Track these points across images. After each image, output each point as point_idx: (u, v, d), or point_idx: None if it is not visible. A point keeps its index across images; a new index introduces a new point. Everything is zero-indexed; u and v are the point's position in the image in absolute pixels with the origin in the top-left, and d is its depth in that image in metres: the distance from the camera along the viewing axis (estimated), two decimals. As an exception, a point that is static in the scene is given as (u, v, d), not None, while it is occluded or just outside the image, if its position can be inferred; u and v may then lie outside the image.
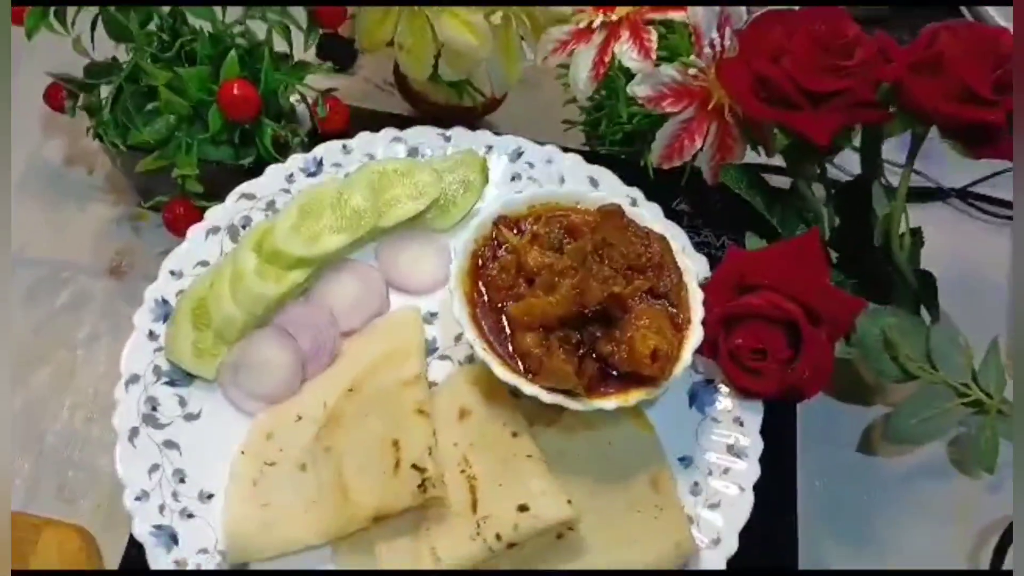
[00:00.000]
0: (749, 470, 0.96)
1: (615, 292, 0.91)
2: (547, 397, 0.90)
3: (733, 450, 0.98)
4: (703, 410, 1.01)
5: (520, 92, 1.32)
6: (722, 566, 0.92)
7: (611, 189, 1.10)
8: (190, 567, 0.89)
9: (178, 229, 1.09)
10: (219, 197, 1.09)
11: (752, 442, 0.98)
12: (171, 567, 0.89)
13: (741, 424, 0.99)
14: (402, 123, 1.16)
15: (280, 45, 1.15)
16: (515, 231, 1.00)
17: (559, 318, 0.91)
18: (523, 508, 0.88)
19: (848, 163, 1.19)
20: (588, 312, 0.91)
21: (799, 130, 0.96)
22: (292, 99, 1.16)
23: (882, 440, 1.15)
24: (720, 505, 0.95)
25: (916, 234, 1.07)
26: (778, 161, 1.14)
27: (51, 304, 1.21)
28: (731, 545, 0.93)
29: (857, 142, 1.09)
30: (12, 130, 1.31)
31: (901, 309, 1.06)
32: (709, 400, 1.01)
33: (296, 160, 1.10)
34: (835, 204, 1.10)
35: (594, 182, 1.12)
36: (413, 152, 1.13)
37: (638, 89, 1.04)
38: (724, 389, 1.01)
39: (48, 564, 1.01)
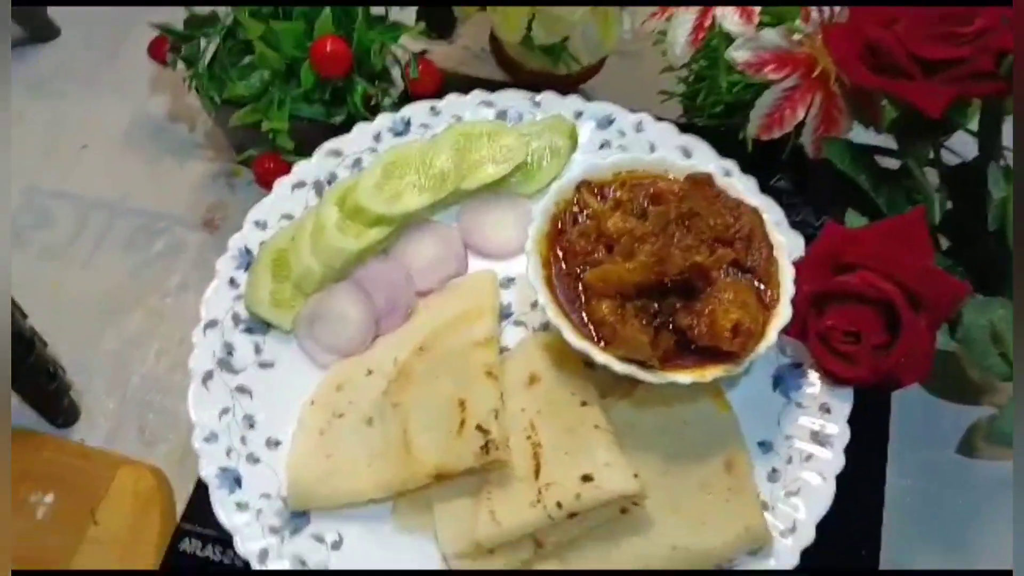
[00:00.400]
0: (833, 460, 0.91)
1: (697, 262, 0.86)
2: (619, 367, 0.86)
3: (817, 438, 0.92)
4: (788, 394, 0.95)
5: (617, 63, 1.29)
6: (796, 556, 0.87)
7: (704, 160, 1.06)
8: (251, 510, 0.90)
9: (267, 183, 1.10)
10: (309, 154, 1.10)
11: (839, 431, 0.92)
12: (232, 509, 0.89)
13: (828, 411, 0.93)
14: (494, 88, 1.14)
15: (378, 9, 1.15)
16: (599, 197, 0.96)
17: (636, 286, 0.87)
18: (587, 478, 0.85)
19: (964, 149, 1.11)
20: (668, 282, 0.87)
21: (910, 100, 0.89)
22: (386, 60, 1.16)
23: (984, 442, 1.07)
24: (799, 493, 0.89)
25: (1036, 222, 0.99)
26: (888, 143, 1.07)
27: (147, 252, 1.25)
28: (807, 535, 0.87)
29: (975, 124, 1.02)
30: (121, 86, 1.38)
31: (1013, 302, 0.98)
32: (795, 384, 0.96)
33: (384, 119, 1.10)
34: (948, 186, 1.03)
35: (686, 152, 1.08)
36: (501, 116, 1.11)
37: (738, 54, 0.99)
38: (812, 374, 0.96)
39: (122, 500, 1.04)
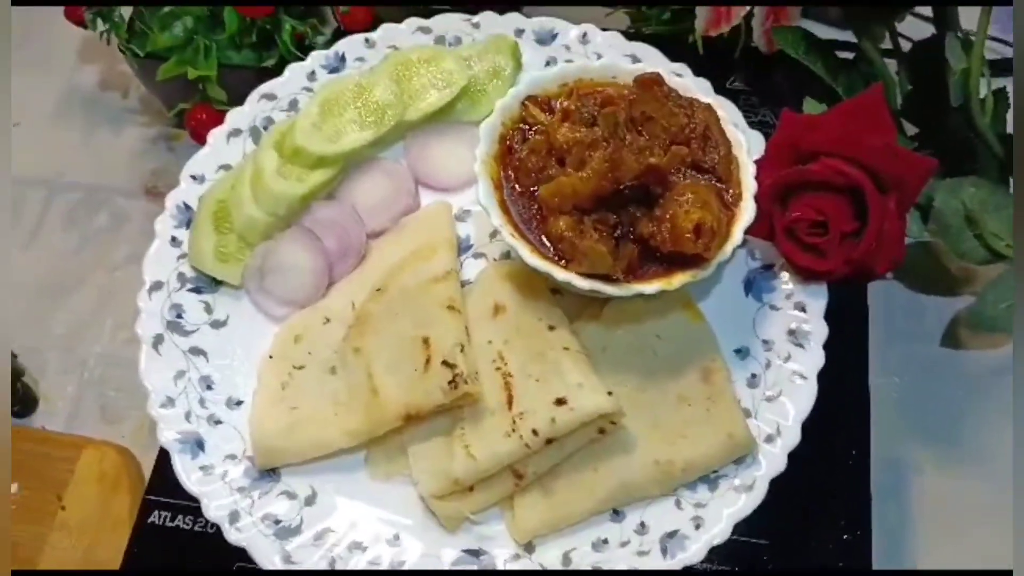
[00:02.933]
0: (812, 357, 0.87)
1: (652, 163, 0.82)
2: (582, 283, 0.82)
3: (795, 337, 0.89)
4: (760, 298, 0.92)
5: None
6: (783, 460, 0.84)
7: (654, 65, 1.00)
8: (217, 473, 0.86)
9: (202, 136, 1.04)
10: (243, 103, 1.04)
11: (815, 327, 0.89)
12: (197, 474, 0.85)
13: (803, 309, 0.90)
14: (429, 14, 1.09)
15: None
16: (546, 111, 0.92)
17: (592, 197, 0.83)
18: (560, 401, 0.82)
19: (918, 34, 1.06)
20: (625, 189, 0.83)
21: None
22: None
23: (968, 332, 1.04)
24: (780, 396, 0.87)
25: (1000, 95, 0.95)
26: (843, 38, 1.04)
27: (90, 226, 1.20)
28: (793, 438, 0.85)
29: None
30: (48, 58, 1.32)
31: (984, 180, 0.94)
32: (767, 287, 0.92)
33: (317, 57, 1.04)
34: (907, 68, 0.99)
35: (635, 60, 1.02)
36: (440, 41, 1.06)
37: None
38: (783, 274, 0.92)
39: (88, 483, 1.00)
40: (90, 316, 1.14)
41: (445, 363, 0.85)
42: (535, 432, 0.81)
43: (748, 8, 0.96)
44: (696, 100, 0.89)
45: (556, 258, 0.84)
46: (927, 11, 1.02)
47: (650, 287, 0.82)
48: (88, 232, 1.20)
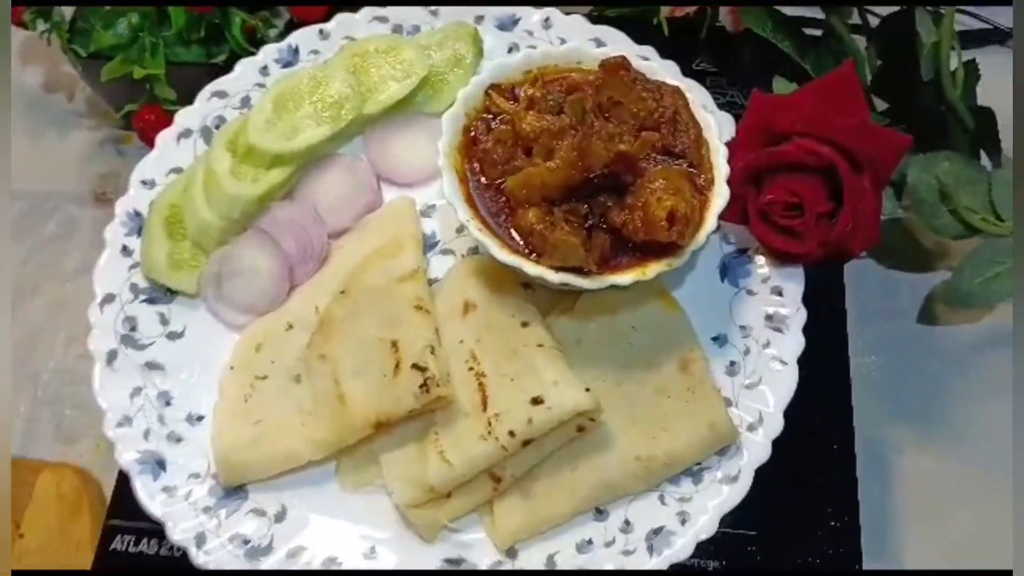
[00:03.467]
0: (791, 342, 0.86)
1: (622, 150, 0.79)
2: (553, 276, 0.80)
3: (772, 322, 0.87)
4: (736, 283, 0.90)
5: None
6: (767, 449, 0.82)
7: (620, 48, 0.97)
8: (181, 493, 0.82)
9: (151, 138, 1.00)
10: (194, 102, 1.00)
11: (793, 311, 0.87)
12: (160, 495, 0.81)
13: (780, 294, 0.88)
14: (385, 2, 1.05)
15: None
16: (511, 99, 0.89)
17: (561, 187, 0.80)
18: (537, 401, 0.79)
19: (886, 9, 1.04)
20: (595, 178, 0.80)
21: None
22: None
23: (945, 307, 1.03)
24: (761, 383, 0.85)
25: (970, 67, 0.94)
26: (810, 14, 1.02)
27: (38, 236, 1.15)
28: (776, 425, 0.83)
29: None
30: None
31: (957, 154, 0.93)
32: (743, 272, 0.90)
33: (269, 51, 1.00)
34: (876, 41, 0.97)
35: (600, 44, 0.99)
36: (397, 30, 1.02)
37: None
38: (759, 258, 0.90)
39: (46, 508, 0.96)
40: (41, 330, 1.09)
41: (415, 366, 0.82)
42: (512, 434, 0.79)
43: (713, -14, 0.93)
44: (664, 83, 0.87)
45: (526, 252, 0.82)
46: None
47: (624, 278, 0.80)
48: (37, 241, 1.15)
